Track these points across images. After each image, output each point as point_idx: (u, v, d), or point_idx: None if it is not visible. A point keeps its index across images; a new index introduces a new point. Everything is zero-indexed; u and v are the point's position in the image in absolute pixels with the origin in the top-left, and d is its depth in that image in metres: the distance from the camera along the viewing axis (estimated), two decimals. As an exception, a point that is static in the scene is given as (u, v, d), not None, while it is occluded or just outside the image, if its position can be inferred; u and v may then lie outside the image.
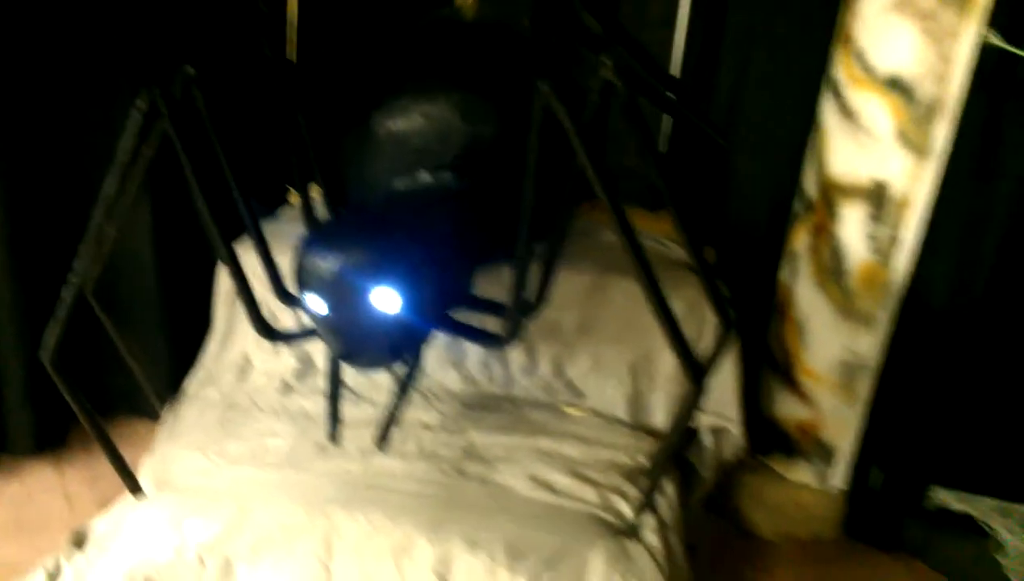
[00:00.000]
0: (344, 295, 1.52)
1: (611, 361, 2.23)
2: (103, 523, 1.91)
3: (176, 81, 1.58)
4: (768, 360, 2.37)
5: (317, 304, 1.56)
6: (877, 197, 2.00)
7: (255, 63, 1.89)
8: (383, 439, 1.77)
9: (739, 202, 2.55)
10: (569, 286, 2.12)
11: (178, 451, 2.03)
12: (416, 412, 2.15)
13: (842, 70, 2.01)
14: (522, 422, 2.16)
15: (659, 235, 2.38)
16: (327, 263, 1.51)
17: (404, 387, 1.71)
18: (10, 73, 2.10)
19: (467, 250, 1.87)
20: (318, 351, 2.25)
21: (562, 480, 1.96)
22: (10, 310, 2.25)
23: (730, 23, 2.46)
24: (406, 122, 1.95)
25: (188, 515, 1.80)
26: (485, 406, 2.22)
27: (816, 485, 2.33)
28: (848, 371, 2.17)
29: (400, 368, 1.78)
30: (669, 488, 1.99)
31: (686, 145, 2.57)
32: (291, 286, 1.67)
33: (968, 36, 1.81)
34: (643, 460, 2.05)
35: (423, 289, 1.59)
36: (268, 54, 1.88)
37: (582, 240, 2.23)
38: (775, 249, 2.34)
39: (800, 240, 2.21)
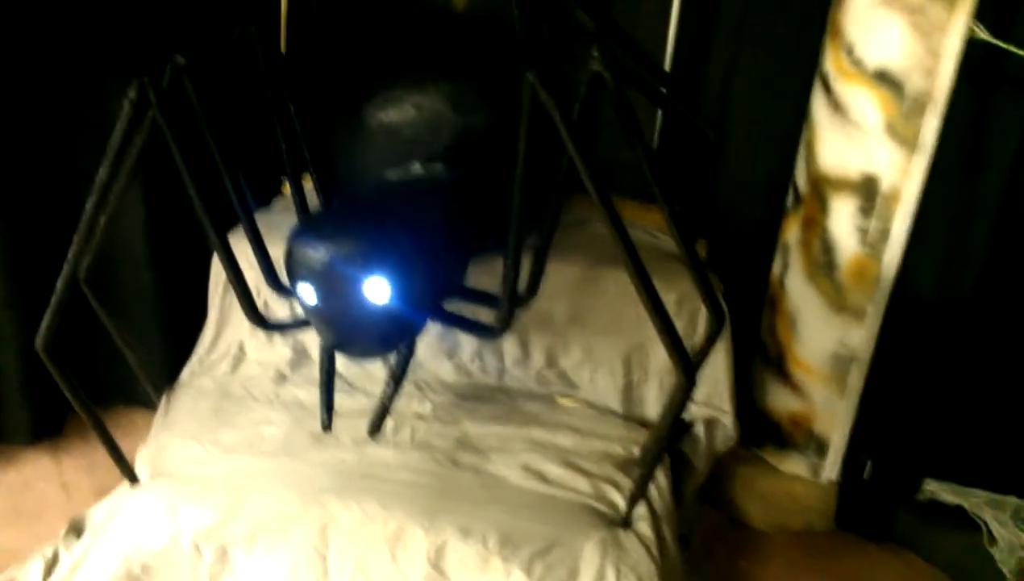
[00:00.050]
0: (334, 285, 1.53)
1: (604, 352, 2.24)
2: (100, 511, 1.93)
3: (166, 71, 1.59)
4: (761, 352, 2.38)
5: (308, 294, 1.57)
6: (866, 190, 2.01)
7: (245, 53, 1.90)
8: (376, 428, 1.78)
9: (732, 195, 2.55)
10: (562, 277, 2.14)
11: (173, 440, 2.05)
12: (410, 402, 2.17)
13: (832, 63, 2.02)
14: (515, 413, 2.18)
15: (652, 227, 2.39)
16: (317, 253, 1.51)
17: (397, 377, 1.72)
18: (2, 65, 2.11)
19: (459, 241, 1.87)
20: (312, 341, 2.26)
21: (555, 470, 1.97)
22: (6, 301, 2.26)
23: (722, 16, 2.46)
24: (398, 113, 1.95)
25: (184, 503, 1.82)
26: (479, 397, 2.23)
27: (808, 476, 2.34)
28: (839, 363, 2.18)
29: (394, 358, 1.79)
30: (662, 478, 2.00)
31: (678, 138, 2.57)
32: (284, 276, 1.68)
33: (956, 30, 1.81)
34: (636, 451, 2.07)
35: (414, 279, 1.59)
36: (257, 44, 1.88)
37: (575, 231, 2.25)
38: (769, 242, 2.35)
39: (791, 233, 2.22)
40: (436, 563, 1.75)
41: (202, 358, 2.31)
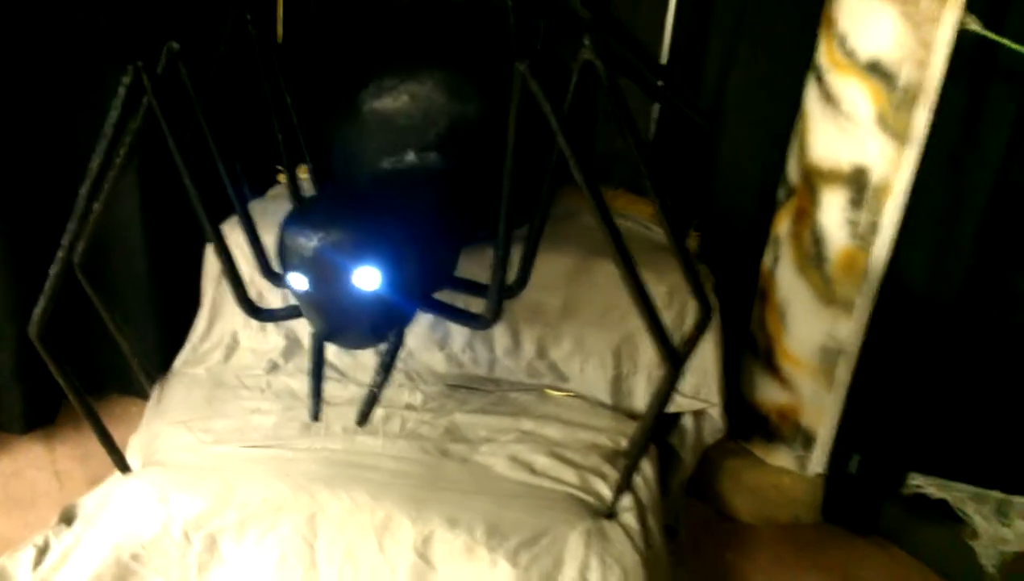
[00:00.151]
0: (324, 273, 1.54)
1: (594, 344, 2.25)
2: (91, 500, 1.93)
3: (161, 56, 1.59)
4: (750, 345, 2.39)
5: (299, 282, 1.58)
6: (857, 182, 2.02)
7: (241, 41, 1.90)
8: (365, 418, 1.78)
9: (725, 188, 2.56)
10: (553, 268, 2.15)
11: (165, 428, 2.05)
12: (401, 393, 2.17)
13: (824, 55, 2.02)
14: (505, 404, 2.18)
15: (645, 219, 2.40)
16: (307, 241, 1.52)
17: (386, 366, 1.72)
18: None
19: (451, 230, 1.88)
20: (305, 330, 2.25)
21: (542, 461, 1.98)
22: (1, 289, 2.27)
23: (718, 10, 2.47)
24: (392, 102, 1.96)
25: (175, 491, 1.82)
26: (469, 387, 2.24)
27: (795, 469, 2.35)
28: (827, 356, 2.19)
29: (385, 348, 1.79)
30: (648, 470, 2.00)
31: (673, 130, 2.58)
32: (277, 265, 1.69)
33: (948, 21, 1.82)
34: (624, 443, 2.07)
35: (404, 268, 1.61)
36: (253, 32, 1.89)
37: (567, 222, 2.26)
38: (761, 235, 2.35)
39: (783, 225, 2.23)
40: (423, 552, 1.75)
41: (195, 346, 2.31)
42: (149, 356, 2.33)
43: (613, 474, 1.94)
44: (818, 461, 2.32)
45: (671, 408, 2.22)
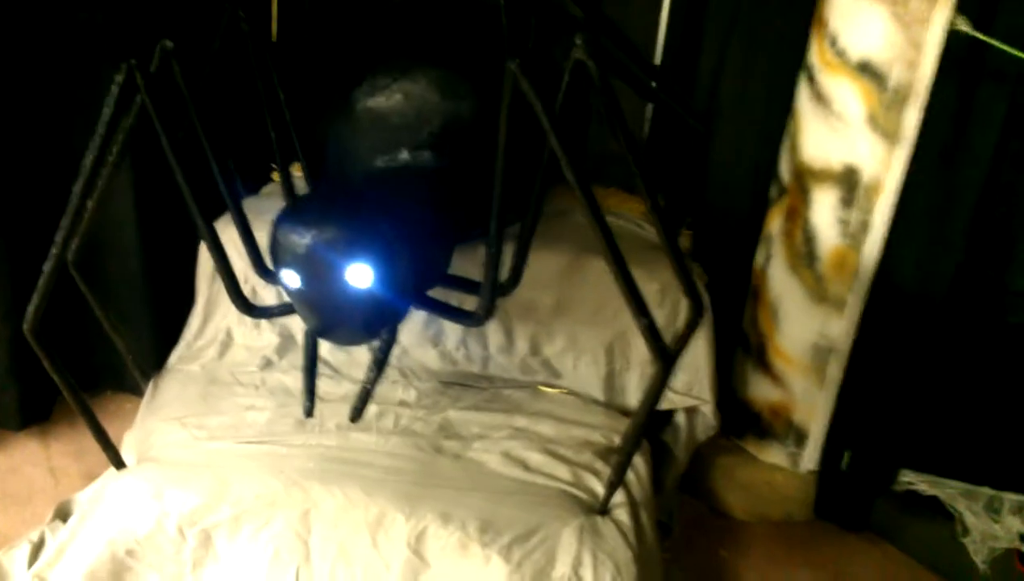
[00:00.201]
0: (317, 270, 1.54)
1: (587, 341, 2.26)
2: (86, 496, 1.94)
3: (154, 55, 1.60)
4: (742, 342, 2.40)
5: (291, 279, 1.58)
6: (848, 182, 2.03)
7: (235, 40, 1.90)
8: (358, 414, 1.79)
9: (718, 186, 2.57)
10: (546, 266, 2.16)
11: (159, 424, 2.06)
12: (395, 389, 2.19)
13: (816, 54, 2.03)
14: (499, 400, 2.19)
15: (638, 217, 2.41)
16: (300, 238, 1.52)
17: (379, 363, 1.73)
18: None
19: (444, 228, 1.89)
20: (299, 327, 2.27)
21: (536, 458, 1.99)
22: (-5, 287, 2.27)
23: (712, 10, 2.48)
24: (386, 100, 1.97)
25: (169, 487, 1.82)
26: (463, 384, 2.25)
27: (788, 466, 2.36)
28: (819, 354, 2.20)
29: (378, 345, 1.80)
30: (641, 467, 2.02)
31: (667, 129, 2.58)
32: (270, 262, 1.69)
33: (937, 22, 1.83)
34: (617, 439, 2.08)
35: (396, 265, 1.61)
36: (246, 29, 1.89)
37: (560, 220, 2.26)
38: (754, 234, 2.36)
39: (775, 224, 2.24)
40: (416, 548, 1.76)
41: (190, 343, 2.32)
42: (143, 353, 2.34)
43: (606, 471, 1.95)
44: (810, 458, 2.33)
45: (664, 405, 2.23)
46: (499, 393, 2.23)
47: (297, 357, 2.26)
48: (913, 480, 2.23)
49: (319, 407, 1.98)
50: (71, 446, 2.42)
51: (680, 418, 2.30)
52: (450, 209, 1.93)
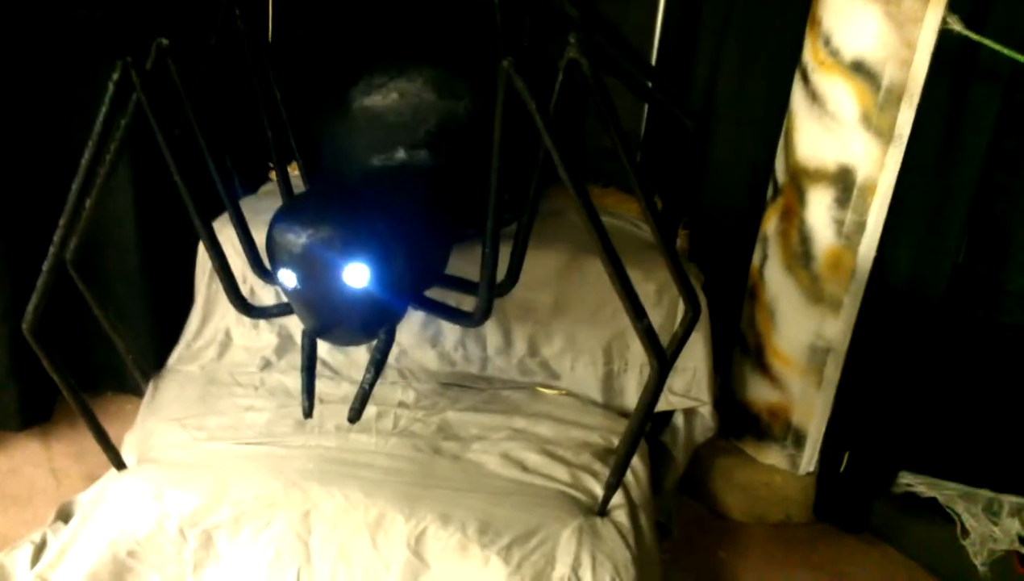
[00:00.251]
0: (313, 269, 1.55)
1: (585, 341, 2.26)
2: (87, 497, 1.94)
3: (150, 53, 1.61)
4: (740, 344, 2.40)
5: (288, 278, 1.58)
6: (843, 181, 2.03)
7: (231, 38, 1.92)
8: (357, 415, 1.78)
9: (715, 186, 2.58)
10: (544, 266, 2.17)
11: (159, 425, 2.06)
12: (394, 391, 2.19)
13: (810, 54, 2.04)
14: (497, 401, 2.20)
15: (635, 217, 2.41)
16: (296, 237, 1.53)
17: (377, 363, 1.73)
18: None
19: (441, 228, 1.90)
20: (297, 327, 2.26)
21: (534, 459, 1.99)
22: (-6, 288, 2.28)
23: (708, 10, 2.49)
24: (382, 99, 1.98)
25: (169, 488, 1.83)
26: (461, 385, 2.26)
27: (787, 468, 2.35)
28: (816, 355, 2.20)
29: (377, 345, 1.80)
30: (639, 467, 2.02)
31: (664, 129, 2.59)
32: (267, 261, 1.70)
33: (930, 21, 1.84)
34: (616, 440, 2.08)
35: (393, 265, 1.61)
36: (242, 27, 1.90)
37: (556, 220, 2.27)
38: (751, 234, 2.36)
39: (771, 224, 2.24)
40: (416, 549, 1.77)
41: (189, 344, 2.33)
42: (143, 353, 2.34)
43: (604, 472, 1.95)
44: (809, 459, 2.33)
45: (662, 407, 2.23)
46: (498, 394, 2.23)
47: (296, 358, 2.26)
48: (912, 482, 2.23)
49: (319, 408, 2.00)
50: (72, 447, 2.42)
51: (678, 419, 2.30)
52: (447, 208, 1.94)
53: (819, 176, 2.06)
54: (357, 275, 1.56)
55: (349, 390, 2.14)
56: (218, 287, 2.24)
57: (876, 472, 2.29)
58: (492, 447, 2.02)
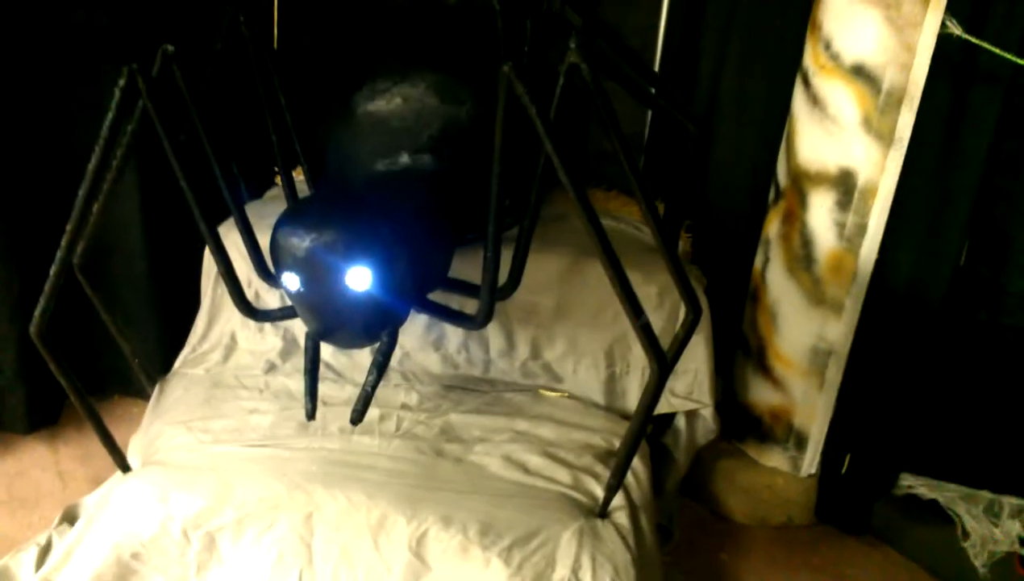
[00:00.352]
0: (317, 273, 1.56)
1: (587, 344, 2.27)
2: (93, 499, 1.96)
3: (156, 59, 1.62)
4: (742, 346, 2.41)
5: (292, 282, 1.60)
6: (844, 185, 2.04)
7: (236, 44, 1.93)
8: (359, 417, 1.79)
9: (718, 189, 2.58)
10: (546, 269, 2.18)
11: (164, 428, 2.07)
12: (397, 393, 2.20)
13: (811, 58, 2.05)
14: (500, 404, 2.20)
15: (637, 220, 2.42)
16: (300, 241, 1.54)
17: (379, 366, 1.74)
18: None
19: (444, 231, 1.91)
20: (302, 331, 2.27)
21: (536, 461, 1.99)
22: (4, 290, 2.29)
23: (709, 11, 2.50)
24: (386, 104, 1.99)
25: (174, 490, 1.84)
26: (464, 388, 2.26)
27: (788, 470, 2.36)
28: (818, 357, 2.21)
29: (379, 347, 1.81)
30: (640, 470, 2.02)
31: (667, 132, 2.59)
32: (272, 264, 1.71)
33: (930, 25, 1.84)
34: (617, 442, 2.08)
35: (396, 268, 1.62)
36: (246, 33, 1.92)
37: (558, 223, 2.28)
38: (753, 237, 2.37)
39: (772, 227, 2.25)
40: (417, 551, 1.77)
41: (194, 347, 2.34)
42: (150, 357, 2.36)
43: (606, 474, 1.95)
44: (811, 462, 2.33)
45: (663, 409, 2.24)
46: (500, 397, 2.24)
47: (300, 361, 2.25)
48: (913, 484, 2.23)
49: (322, 411, 2.00)
50: (78, 450, 2.44)
51: (680, 422, 2.31)
52: (450, 212, 1.95)
53: (820, 179, 2.07)
54: (360, 278, 1.57)
55: (352, 393, 2.15)
56: (223, 291, 2.26)
57: (877, 474, 2.29)
58: (494, 449, 2.02)
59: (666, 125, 2.56)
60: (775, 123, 2.27)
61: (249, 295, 1.88)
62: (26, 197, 2.28)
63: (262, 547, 1.80)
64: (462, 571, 1.75)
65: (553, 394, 2.27)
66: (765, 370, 2.32)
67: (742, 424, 2.42)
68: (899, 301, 2.13)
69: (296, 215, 1.61)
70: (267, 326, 2.32)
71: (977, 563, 2.11)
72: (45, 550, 1.91)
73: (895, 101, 1.92)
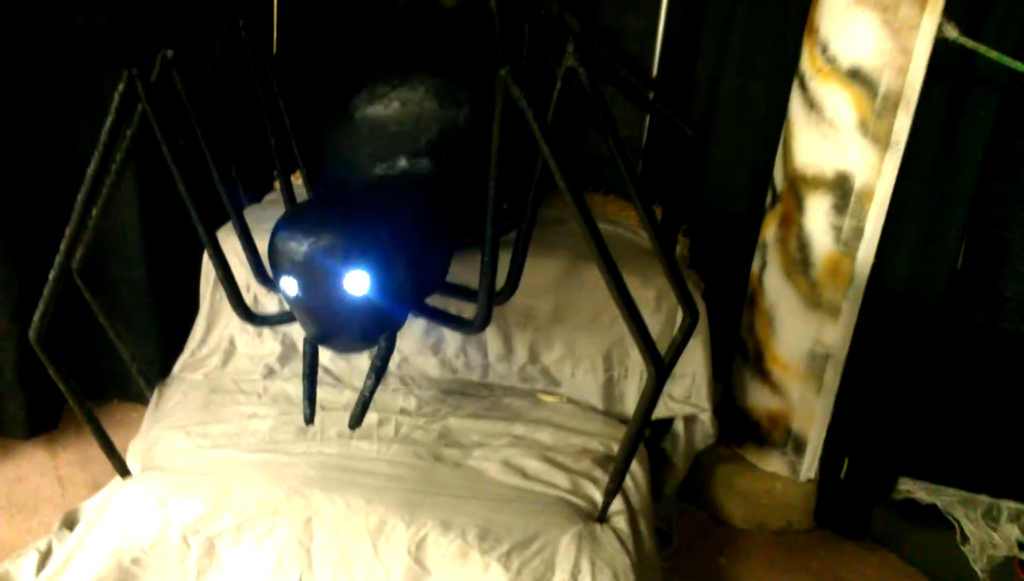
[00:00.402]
0: (314, 277, 1.56)
1: (585, 348, 2.27)
2: (93, 504, 1.96)
3: (155, 64, 1.63)
4: (740, 350, 2.41)
5: (290, 286, 1.60)
6: (841, 188, 2.04)
7: (235, 48, 1.94)
8: (357, 421, 1.79)
9: (716, 193, 2.58)
10: (543, 273, 2.18)
11: (163, 433, 2.07)
12: (395, 397, 2.20)
13: (808, 61, 2.05)
14: (498, 408, 2.20)
15: (634, 224, 2.42)
16: (298, 245, 1.54)
17: (377, 370, 1.74)
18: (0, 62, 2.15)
19: (442, 236, 1.91)
20: (300, 335, 2.27)
21: (534, 465, 2.00)
22: (3, 295, 2.30)
23: (708, 15, 2.50)
24: (384, 108, 1.99)
25: (173, 495, 1.84)
26: (463, 392, 2.27)
27: (787, 474, 2.36)
28: (816, 361, 2.21)
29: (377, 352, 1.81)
30: (639, 474, 2.02)
31: (665, 136, 2.60)
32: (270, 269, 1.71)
33: (926, 29, 1.85)
34: (615, 447, 2.08)
35: (394, 272, 1.62)
36: (246, 38, 1.93)
37: (556, 227, 2.29)
38: (751, 241, 2.37)
39: (770, 231, 2.25)
40: (417, 556, 1.78)
41: (193, 352, 2.34)
42: (148, 361, 2.36)
43: (604, 478, 1.96)
44: (809, 466, 2.33)
45: (661, 413, 2.25)
46: (498, 401, 2.24)
47: (299, 365, 2.26)
48: (912, 488, 2.23)
49: (321, 415, 2.01)
50: (78, 455, 2.44)
51: (679, 426, 2.31)
52: (448, 217, 1.95)
53: (817, 183, 2.07)
54: (358, 282, 1.56)
55: (351, 397, 2.16)
56: (222, 296, 2.25)
57: (876, 478, 2.29)
58: (493, 454, 2.02)
59: (664, 129, 2.57)
60: (774, 124, 2.28)
61: (248, 300, 1.88)
62: (24, 201, 2.29)
63: (261, 552, 1.81)
64: (461, 576, 1.75)
65: (551, 398, 2.28)
66: (763, 374, 2.32)
67: (740, 428, 2.42)
68: (896, 305, 2.13)
69: (294, 219, 1.61)
70: (266, 331, 2.32)
71: (976, 567, 2.11)
72: (45, 555, 1.91)
73: (892, 105, 1.93)
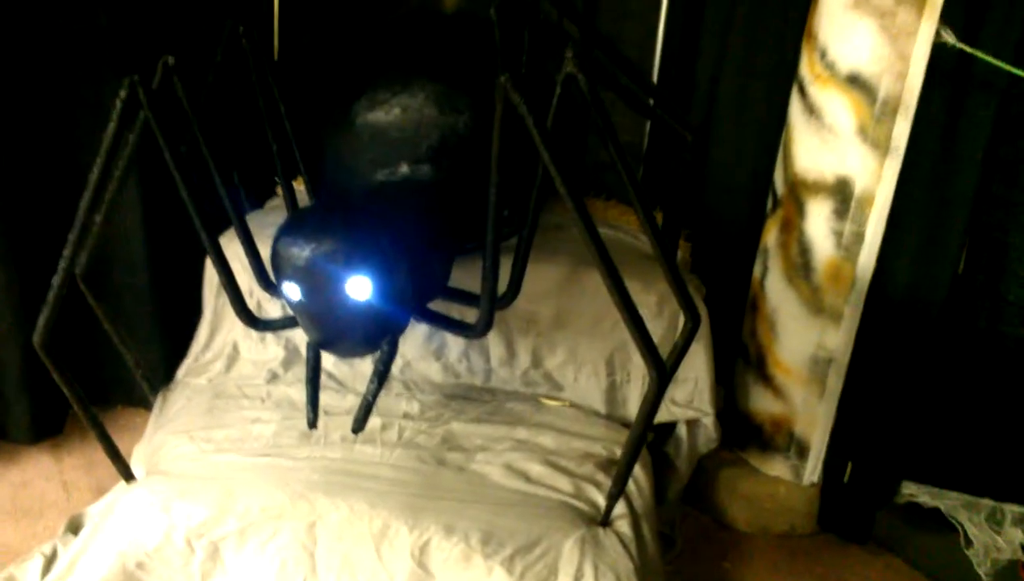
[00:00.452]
0: (317, 282, 1.56)
1: (587, 353, 2.27)
2: (97, 509, 1.96)
3: (156, 71, 1.64)
4: (742, 354, 2.41)
5: (292, 291, 1.60)
6: (841, 193, 2.05)
7: (237, 55, 1.95)
8: (360, 426, 1.79)
9: (717, 198, 2.59)
10: (545, 278, 2.19)
11: (167, 438, 2.08)
12: (399, 402, 2.20)
13: (807, 67, 2.06)
14: (501, 413, 2.21)
15: (635, 229, 2.43)
16: (300, 250, 1.54)
17: (380, 375, 1.74)
18: (2, 66, 2.16)
19: (443, 241, 1.91)
20: (304, 340, 2.28)
21: (537, 469, 2.00)
22: (7, 300, 2.31)
23: (708, 19, 2.51)
24: (385, 114, 2.00)
25: (177, 500, 1.84)
26: (465, 397, 2.27)
27: (791, 479, 2.36)
28: (818, 365, 2.21)
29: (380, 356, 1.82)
30: (642, 478, 2.02)
31: (665, 141, 2.60)
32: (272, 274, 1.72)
33: (925, 34, 1.85)
34: (618, 451, 2.08)
35: (395, 277, 1.63)
36: (246, 46, 1.94)
37: (557, 233, 2.29)
38: (752, 246, 2.38)
39: (771, 236, 2.25)
40: (420, 560, 1.78)
41: (197, 357, 2.35)
42: (152, 366, 2.37)
43: (607, 482, 1.96)
44: (812, 470, 2.33)
45: (664, 417, 2.25)
46: (501, 405, 2.24)
47: (302, 370, 2.27)
48: (915, 492, 2.23)
49: (324, 420, 2.01)
50: (82, 460, 2.45)
51: (681, 430, 2.31)
52: (449, 222, 1.96)
53: (817, 188, 2.08)
54: (360, 288, 1.57)
55: (354, 402, 2.15)
56: (225, 301, 2.26)
57: (879, 482, 2.29)
58: (496, 458, 2.03)
59: (664, 134, 2.57)
60: (774, 125, 2.28)
61: (251, 305, 1.89)
62: (27, 207, 2.30)
63: (265, 556, 1.81)
64: (465, 580, 1.75)
65: (554, 403, 2.28)
66: (765, 378, 2.32)
67: (743, 433, 2.42)
68: (898, 309, 2.13)
69: (296, 225, 1.62)
70: (269, 335, 2.33)
71: (980, 571, 2.11)
72: (50, 560, 1.92)
73: (891, 110, 1.93)
